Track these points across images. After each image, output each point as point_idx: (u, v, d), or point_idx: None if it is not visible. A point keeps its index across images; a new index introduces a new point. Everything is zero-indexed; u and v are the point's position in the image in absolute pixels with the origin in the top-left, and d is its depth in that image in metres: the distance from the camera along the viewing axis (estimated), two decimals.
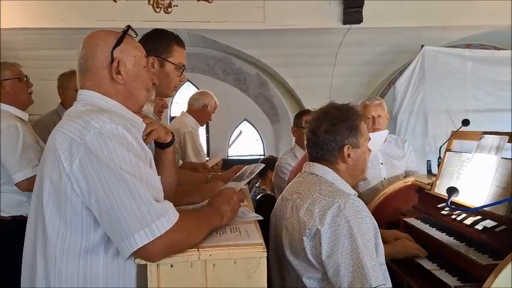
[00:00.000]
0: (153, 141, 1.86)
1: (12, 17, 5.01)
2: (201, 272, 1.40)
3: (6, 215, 2.90)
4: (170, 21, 5.09)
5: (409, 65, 5.50)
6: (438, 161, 3.12)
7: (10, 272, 2.57)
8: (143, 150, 1.49)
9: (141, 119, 1.66)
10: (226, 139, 7.64)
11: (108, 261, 1.44)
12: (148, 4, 5.25)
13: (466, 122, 3.15)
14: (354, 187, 2.05)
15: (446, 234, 2.50)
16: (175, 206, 1.44)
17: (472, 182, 2.51)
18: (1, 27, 4.95)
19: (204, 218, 1.53)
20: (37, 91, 3.16)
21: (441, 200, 2.68)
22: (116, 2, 5.16)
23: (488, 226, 2.23)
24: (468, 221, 2.37)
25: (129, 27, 1.64)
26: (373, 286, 1.69)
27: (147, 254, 1.36)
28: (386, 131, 3.45)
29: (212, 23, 5.38)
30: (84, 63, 1.57)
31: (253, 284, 1.41)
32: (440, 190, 2.76)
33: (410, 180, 3.20)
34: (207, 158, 5.02)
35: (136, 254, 1.36)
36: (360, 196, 1.96)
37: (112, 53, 1.56)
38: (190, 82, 7.43)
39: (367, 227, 1.79)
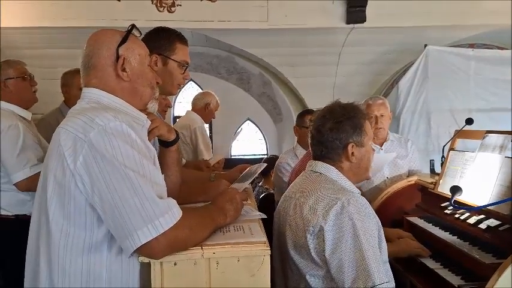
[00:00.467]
0: (157, 139, 1.86)
1: (16, 16, 5.04)
2: (205, 270, 1.41)
3: (10, 214, 2.89)
4: (173, 20, 5.10)
5: (412, 64, 5.50)
6: (441, 160, 3.11)
7: (13, 269, 2.59)
8: (147, 148, 1.50)
9: (146, 116, 1.66)
10: (229, 138, 7.65)
11: (111, 259, 1.45)
12: (152, 3, 5.27)
13: (469, 121, 3.14)
14: (357, 187, 2.05)
15: (449, 233, 2.49)
16: (179, 204, 1.44)
17: (475, 181, 2.50)
18: (5, 26, 4.97)
19: (208, 216, 1.54)
20: (41, 90, 3.16)
21: (444, 199, 2.68)
22: (119, 1, 5.17)
23: (492, 225, 2.22)
24: (471, 220, 2.36)
25: (133, 26, 1.65)
26: (376, 284, 1.68)
27: (150, 250, 1.36)
28: (394, 154, 3.42)
29: (215, 23, 5.40)
30: (89, 60, 1.58)
31: (257, 282, 1.41)
32: (444, 189, 2.75)
33: (413, 179, 3.20)
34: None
35: (139, 251, 1.36)
36: (362, 195, 1.96)
37: (117, 50, 1.57)
38: (194, 81, 7.45)
39: (370, 224, 1.79)
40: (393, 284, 1.85)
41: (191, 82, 7.42)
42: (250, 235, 1.52)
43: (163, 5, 5.25)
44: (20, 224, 2.74)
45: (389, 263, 1.92)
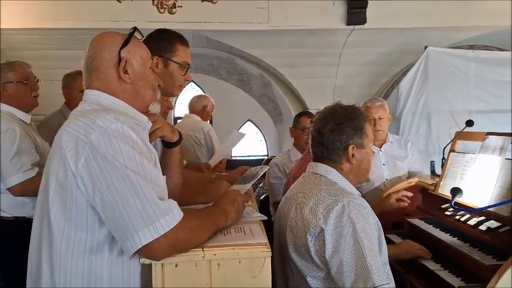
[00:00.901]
0: (160, 140, 1.87)
1: (16, 17, 5.03)
2: (206, 271, 1.41)
3: (9, 216, 2.86)
4: (174, 21, 5.11)
5: (412, 65, 5.50)
6: (442, 162, 3.11)
7: (13, 269, 2.59)
8: (148, 149, 1.50)
9: (147, 118, 1.67)
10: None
11: (112, 260, 1.45)
12: (153, 5, 5.27)
13: (470, 123, 3.14)
14: (356, 188, 2.06)
15: (450, 235, 2.50)
16: (180, 205, 1.44)
17: (475, 183, 2.51)
18: (6, 27, 4.97)
19: (209, 218, 1.54)
20: (42, 91, 3.13)
21: (445, 200, 2.68)
22: (120, 2, 5.18)
23: (492, 227, 2.23)
24: (472, 222, 2.37)
25: (135, 28, 1.65)
26: (376, 285, 1.69)
27: (151, 252, 1.36)
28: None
29: (216, 24, 5.40)
30: (91, 62, 1.58)
31: (258, 284, 1.41)
32: (444, 191, 2.76)
33: (414, 180, 3.19)
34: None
35: (140, 252, 1.36)
36: (362, 197, 1.97)
37: (119, 53, 1.58)
38: (194, 82, 7.44)
39: (370, 226, 1.80)
40: (393, 285, 1.85)
41: (192, 83, 7.42)
42: (251, 237, 1.52)
43: (164, 6, 5.26)
44: (20, 224, 2.74)
45: (390, 265, 1.93)
